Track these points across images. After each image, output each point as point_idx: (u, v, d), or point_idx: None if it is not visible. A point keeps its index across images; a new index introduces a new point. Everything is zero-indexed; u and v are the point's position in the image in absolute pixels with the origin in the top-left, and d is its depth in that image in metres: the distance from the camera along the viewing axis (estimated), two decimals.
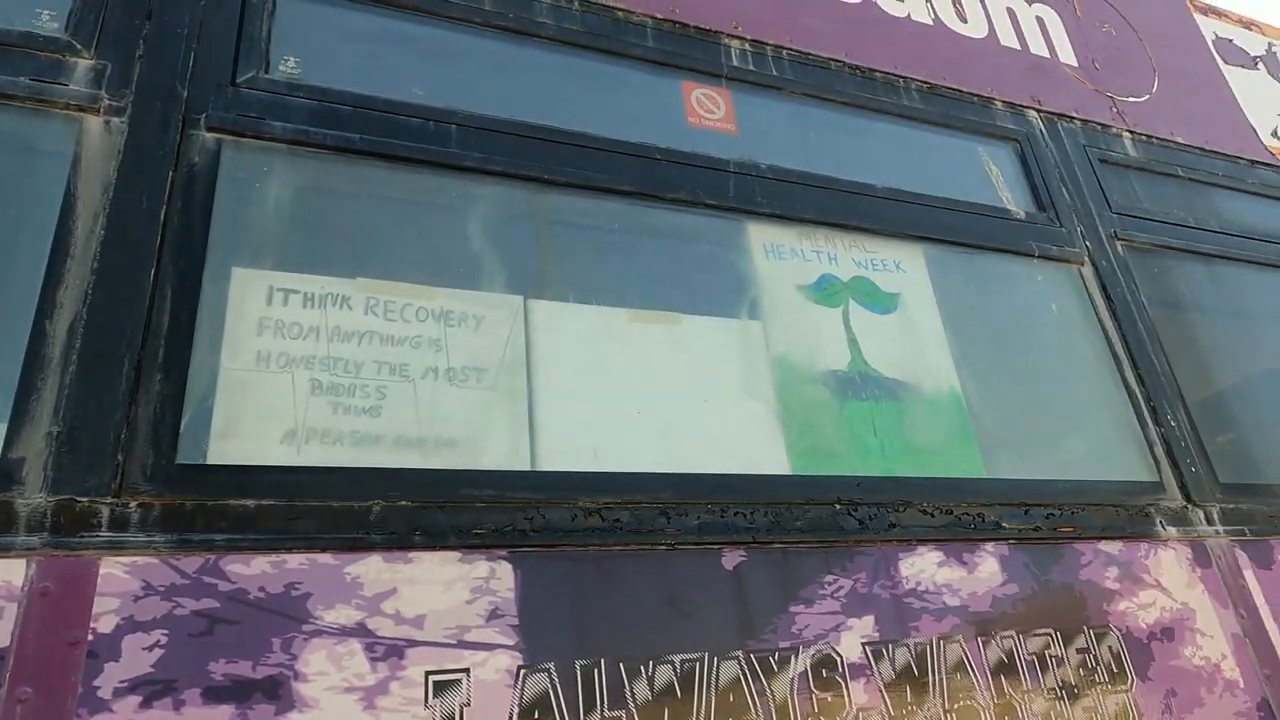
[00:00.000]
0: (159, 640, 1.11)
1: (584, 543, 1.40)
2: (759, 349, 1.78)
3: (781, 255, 1.93)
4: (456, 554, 1.31)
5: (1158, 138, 2.79)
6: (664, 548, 1.45)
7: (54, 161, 1.37)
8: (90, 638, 1.09)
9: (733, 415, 1.68)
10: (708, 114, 2.04)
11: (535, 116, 1.79)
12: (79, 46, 1.46)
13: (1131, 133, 2.73)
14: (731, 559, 1.49)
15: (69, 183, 1.35)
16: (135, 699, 1.07)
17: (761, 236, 1.93)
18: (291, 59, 1.63)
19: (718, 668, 1.38)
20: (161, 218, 1.38)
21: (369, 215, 1.59)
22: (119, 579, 1.13)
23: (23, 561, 1.10)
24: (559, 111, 1.84)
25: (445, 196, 1.65)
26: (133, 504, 1.18)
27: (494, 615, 1.29)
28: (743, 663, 1.40)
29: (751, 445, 1.66)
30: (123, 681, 1.08)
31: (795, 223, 1.98)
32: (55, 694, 1.05)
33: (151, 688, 1.09)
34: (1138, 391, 2.15)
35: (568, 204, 1.76)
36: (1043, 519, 1.82)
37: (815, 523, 1.59)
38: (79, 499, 1.15)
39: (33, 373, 1.20)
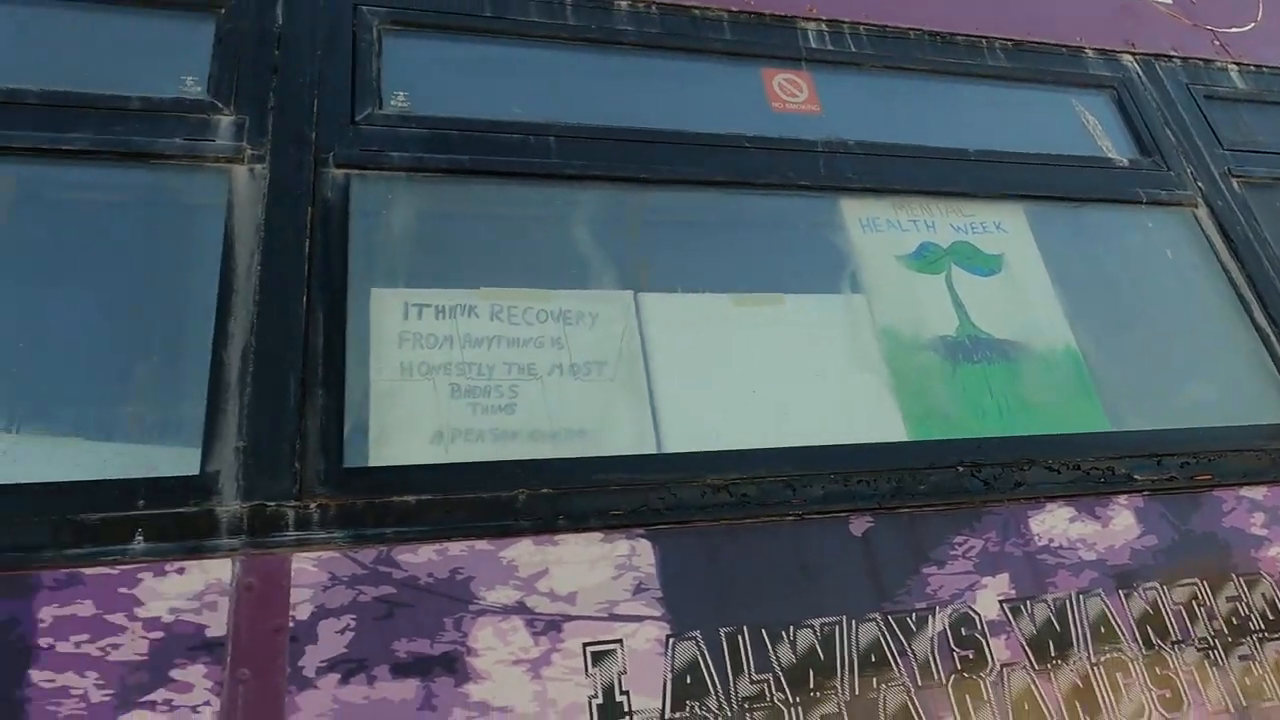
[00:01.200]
0: (348, 624, 1.24)
1: (715, 517, 1.46)
2: (864, 321, 1.81)
3: (878, 228, 1.95)
4: (598, 534, 1.40)
5: (1267, 66, 2.65)
6: (792, 518, 1.50)
7: (212, 209, 1.53)
8: (291, 624, 1.22)
9: (845, 388, 1.72)
10: (791, 98, 2.08)
11: (626, 120, 1.88)
12: (220, 105, 1.63)
13: (1237, 64, 2.61)
14: (859, 525, 1.52)
15: (226, 226, 1.51)
16: (335, 676, 1.20)
17: (856, 212, 1.96)
18: (401, 93, 1.76)
19: (856, 630, 1.42)
20: (306, 250, 1.52)
21: (485, 229, 1.71)
22: (309, 572, 1.26)
23: (228, 561, 1.24)
24: (648, 112, 1.91)
25: (552, 204, 1.75)
26: (312, 506, 1.31)
27: (639, 589, 1.37)
28: (881, 624, 1.44)
29: (867, 415, 1.69)
30: (323, 662, 1.21)
31: (889, 194, 1.99)
32: (269, 674, 1.18)
33: (347, 666, 1.21)
34: (1270, 331, 2.06)
35: (666, 200, 1.83)
36: (1177, 468, 1.77)
37: (939, 486, 1.60)
38: (268, 504, 1.29)
39: (217, 396, 1.36)
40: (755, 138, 1.94)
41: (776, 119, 2.03)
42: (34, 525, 1.21)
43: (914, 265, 1.93)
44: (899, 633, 1.44)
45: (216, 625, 1.20)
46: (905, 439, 1.67)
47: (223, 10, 1.75)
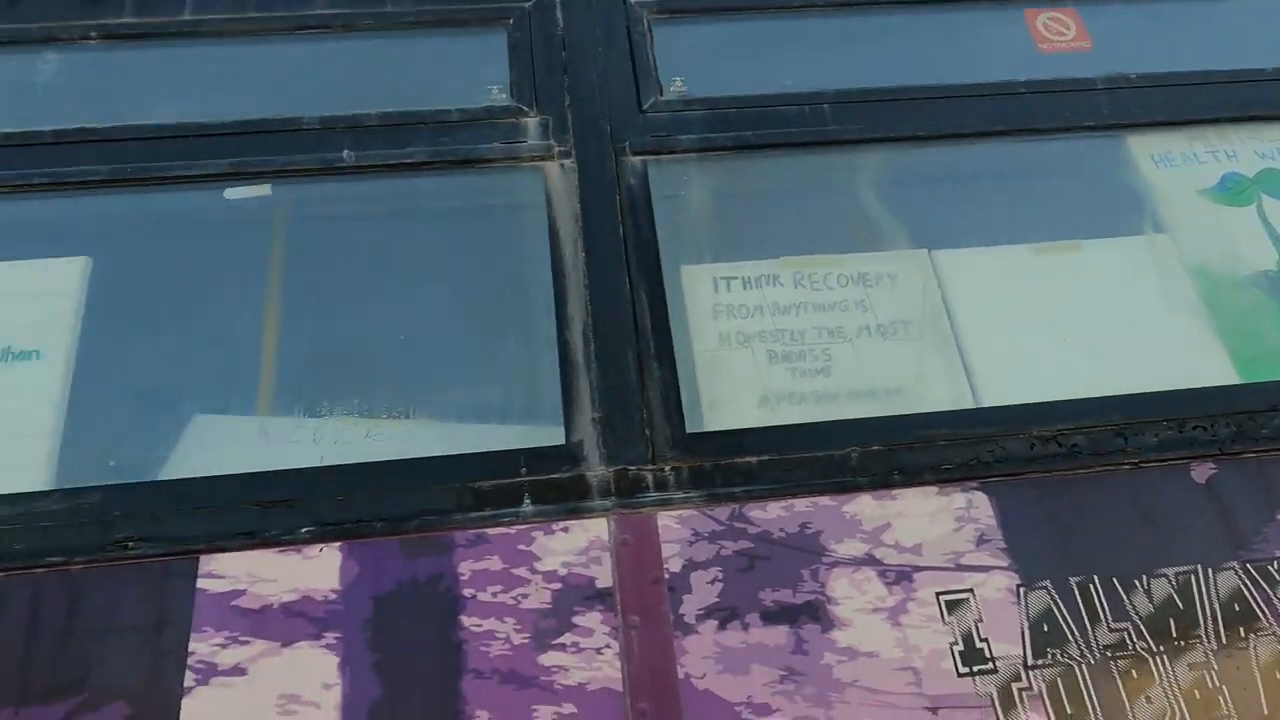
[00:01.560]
0: (716, 576, 1.34)
1: (1047, 469, 1.45)
2: (1172, 262, 1.72)
3: (1172, 163, 1.84)
4: (933, 488, 1.43)
5: None
6: (1128, 467, 1.46)
7: (533, 205, 1.67)
8: (666, 576, 1.34)
9: (1162, 332, 1.65)
10: (1058, 36, 1.99)
11: (895, 80, 1.87)
12: (525, 109, 1.77)
13: None
14: (1201, 472, 1.46)
15: (549, 219, 1.65)
16: (713, 622, 1.31)
17: (1146, 148, 1.86)
18: (678, 79, 1.85)
19: (1214, 579, 1.37)
20: (621, 235, 1.63)
21: (776, 200, 1.77)
22: (674, 529, 1.37)
23: (604, 520, 1.38)
24: (916, 69, 1.90)
25: (836, 170, 1.78)
26: (667, 469, 1.42)
27: (982, 540, 1.39)
28: (1240, 573, 1.38)
29: (1190, 359, 1.61)
30: (700, 609, 1.31)
31: (1181, 126, 1.88)
32: (655, 620, 1.30)
33: (722, 613, 1.31)
34: None
35: (947, 155, 1.82)
36: None
37: None
38: (629, 468, 1.41)
39: (569, 373, 1.50)
40: (1028, 82, 1.88)
41: (1046, 60, 1.95)
42: (440, 493, 1.39)
43: (1218, 198, 1.81)
44: (1262, 582, 1.38)
45: (603, 577, 1.33)
46: (1238, 381, 1.58)
47: (510, 21, 1.89)
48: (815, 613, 1.32)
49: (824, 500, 1.41)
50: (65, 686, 1.23)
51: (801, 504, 1.40)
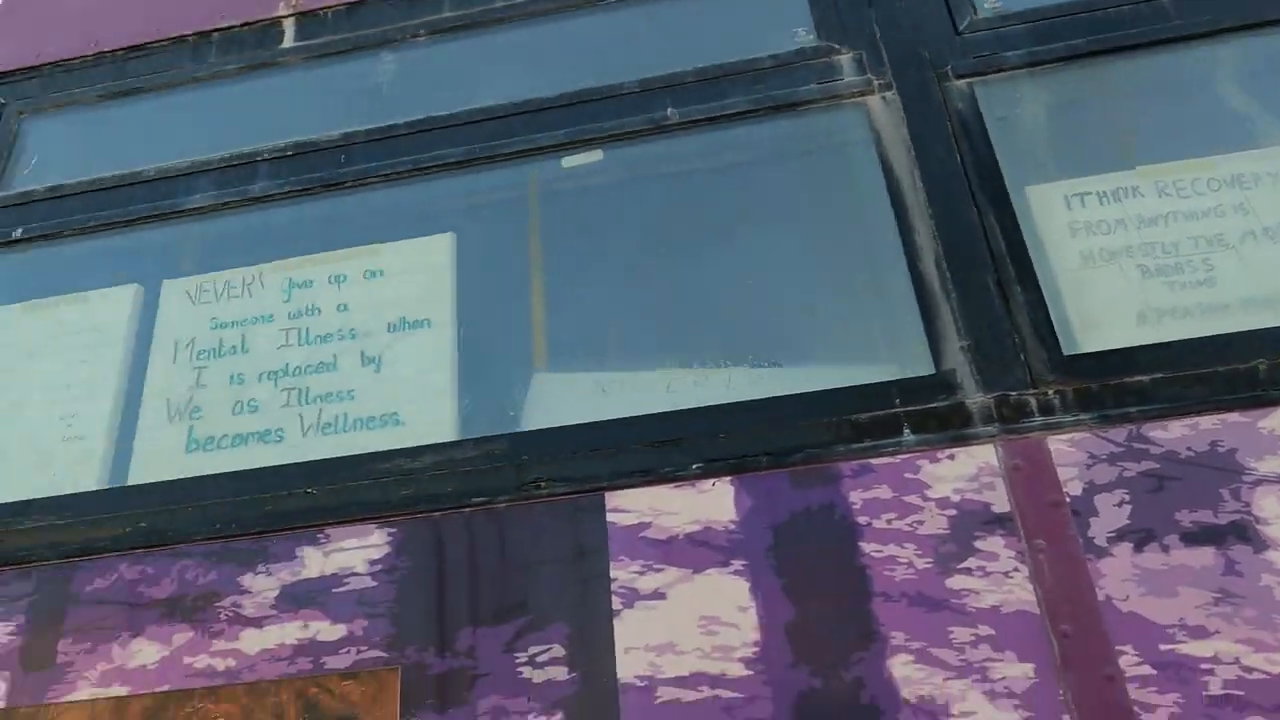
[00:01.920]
0: (1122, 499, 1.30)
1: None
2: None
3: None
4: None
5: None
6: None
7: (859, 140, 1.67)
8: (1067, 499, 1.31)
9: None
10: None
11: None
12: (836, 46, 1.76)
13: None
14: None
15: (880, 154, 1.63)
16: (1127, 545, 1.27)
17: None
18: None
19: None
20: (958, 160, 1.59)
21: (1120, 108, 1.65)
22: (1066, 452, 1.34)
23: (990, 446, 1.36)
24: None
25: (1185, 68, 1.64)
26: (1050, 392, 1.39)
27: None
28: None
29: None
30: (1110, 532, 1.28)
31: None
32: (1062, 542, 1.28)
33: (1136, 535, 1.27)
34: None
35: None
36: None
37: None
38: (1010, 394, 1.39)
39: (928, 304, 1.49)
40: None
41: None
42: (819, 427, 1.43)
43: None
44: None
45: (999, 502, 1.33)
46: None
47: None
48: (1244, 533, 1.25)
49: (1233, 416, 1.32)
50: (511, 609, 1.38)
51: (1207, 421, 1.32)
